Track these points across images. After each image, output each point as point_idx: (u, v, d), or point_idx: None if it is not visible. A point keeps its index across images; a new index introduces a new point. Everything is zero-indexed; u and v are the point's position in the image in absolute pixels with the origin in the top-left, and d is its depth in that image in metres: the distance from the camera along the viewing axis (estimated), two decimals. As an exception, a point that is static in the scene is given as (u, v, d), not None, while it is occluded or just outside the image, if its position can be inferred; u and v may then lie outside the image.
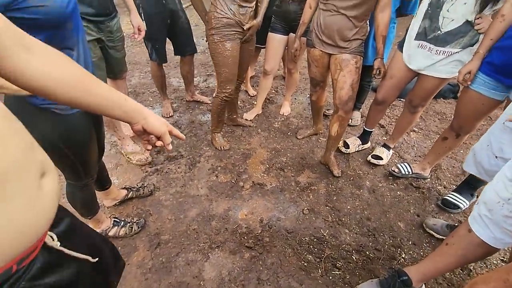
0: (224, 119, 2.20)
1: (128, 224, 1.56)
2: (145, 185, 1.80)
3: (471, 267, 1.46)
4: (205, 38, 1.85)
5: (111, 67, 1.76)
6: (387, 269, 1.45)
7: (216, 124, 2.13)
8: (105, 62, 1.70)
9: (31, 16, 0.67)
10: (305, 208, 1.75)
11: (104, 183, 1.55)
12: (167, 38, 2.23)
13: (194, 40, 2.35)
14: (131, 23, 1.79)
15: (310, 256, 1.49)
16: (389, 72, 1.78)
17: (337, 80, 1.71)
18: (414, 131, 2.50)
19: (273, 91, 3.01)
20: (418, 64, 1.62)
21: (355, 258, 1.50)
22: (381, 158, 2.07)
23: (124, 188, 1.73)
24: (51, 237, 0.48)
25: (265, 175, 1.99)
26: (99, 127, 1.20)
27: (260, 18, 1.83)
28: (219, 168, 2.02)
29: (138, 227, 1.58)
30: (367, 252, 1.52)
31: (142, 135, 0.69)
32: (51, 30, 0.75)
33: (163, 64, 2.36)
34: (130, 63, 3.46)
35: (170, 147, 0.71)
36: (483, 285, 0.69)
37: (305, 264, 1.45)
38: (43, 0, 0.68)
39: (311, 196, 1.85)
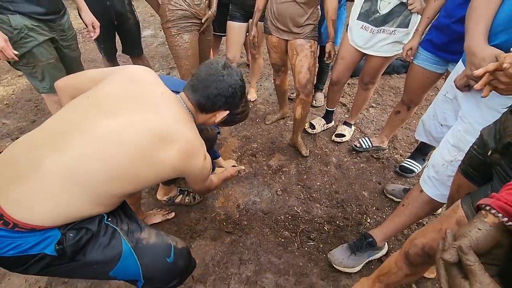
0: None
1: (191, 193, 1.73)
2: None
3: (425, 222, 1.67)
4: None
5: (68, 68, 1.69)
6: (355, 234, 1.60)
7: None
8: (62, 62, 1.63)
9: None
10: (279, 189, 1.85)
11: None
12: (116, 36, 2.17)
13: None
14: (83, 21, 1.71)
15: (286, 232, 1.60)
16: (340, 54, 1.89)
17: (295, 65, 1.79)
18: (372, 106, 2.69)
19: (239, 79, 3.04)
20: (361, 44, 1.75)
21: (327, 228, 1.63)
22: (344, 136, 2.22)
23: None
24: None
25: (238, 162, 2.05)
26: None
27: (214, 8, 1.85)
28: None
29: (200, 197, 1.74)
30: (337, 222, 1.67)
31: None
32: None
33: (127, 58, 2.30)
34: (85, 61, 3.28)
35: None
36: (422, 238, 0.81)
37: (282, 240, 1.56)
38: None
39: (283, 178, 1.95)
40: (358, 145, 2.14)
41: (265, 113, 2.56)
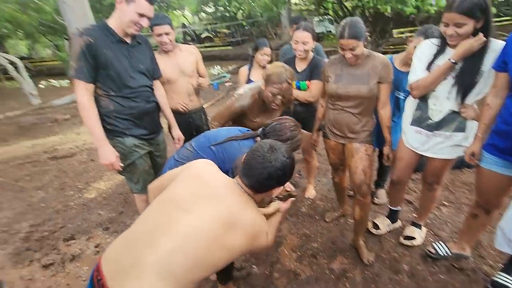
0: None
1: None
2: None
3: None
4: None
5: (156, 172, 2.07)
6: None
7: None
8: (152, 168, 2.02)
9: None
10: (343, 300, 1.69)
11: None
12: None
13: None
14: (172, 135, 2.18)
15: None
16: (398, 154, 1.92)
17: (350, 165, 1.87)
18: (444, 205, 2.47)
19: (297, 175, 3.19)
20: (417, 146, 1.78)
21: None
22: (414, 238, 2.03)
23: None
24: None
25: (298, 263, 1.99)
26: None
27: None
28: (252, 258, 2.06)
29: None
30: None
31: None
32: None
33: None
34: (166, 159, 3.90)
35: None
36: None
37: None
38: None
39: (347, 285, 1.80)
40: (433, 251, 1.91)
41: (324, 209, 2.55)
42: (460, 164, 2.95)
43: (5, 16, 11.74)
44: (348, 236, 2.21)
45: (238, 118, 1.90)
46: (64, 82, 12.39)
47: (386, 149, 1.87)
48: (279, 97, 1.76)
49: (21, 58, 12.26)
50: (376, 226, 2.19)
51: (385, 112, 1.83)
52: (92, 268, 1.04)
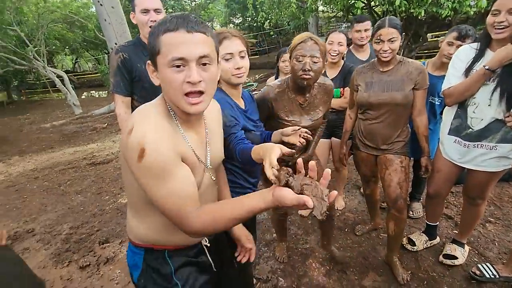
0: (287, 226, 2.21)
1: None
2: None
3: None
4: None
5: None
6: None
7: (280, 234, 2.14)
8: None
9: None
10: (376, 320, 1.59)
11: None
12: None
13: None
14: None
15: None
16: (435, 166, 1.79)
17: (384, 178, 1.77)
18: (490, 222, 2.25)
19: (325, 185, 3.10)
20: (456, 158, 1.64)
21: None
22: (455, 258, 1.87)
23: None
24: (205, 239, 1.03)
25: (326, 278, 1.91)
26: None
27: (311, 151, 1.78)
28: (278, 271, 2.02)
29: None
30: None
31: None
32: None
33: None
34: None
35: None
36: None
37: None
38: None
39: (380, 305, 1.69)
40: (478, 272, 1.74)
41: (355, 222, 2.44)
42: (508, 176, 2.70)
43: (54, 35, 12.97)
44: (381, 251, 2.09)
45: (269, 121, 1.59)
46: (103, 93, 13.29)
47: (423, 160, 1.75)
48: (307, 60, 1.40)
49: (67, 72, 13.42)
50: (411, 243, 2.05)
51: (421, 120, 1.72)
52: (123, 271, 1.10)
